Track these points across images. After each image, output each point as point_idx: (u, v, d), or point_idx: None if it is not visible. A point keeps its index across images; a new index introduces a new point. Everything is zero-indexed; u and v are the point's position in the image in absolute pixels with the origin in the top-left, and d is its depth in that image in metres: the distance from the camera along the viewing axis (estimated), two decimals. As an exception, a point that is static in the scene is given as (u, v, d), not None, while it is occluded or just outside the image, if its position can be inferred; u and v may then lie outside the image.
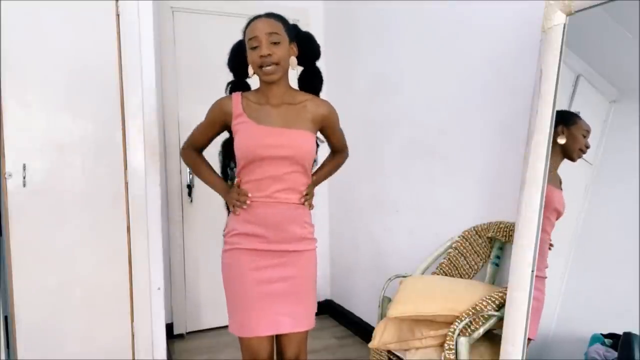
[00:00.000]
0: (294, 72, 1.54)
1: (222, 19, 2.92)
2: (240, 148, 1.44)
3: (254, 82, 1.57)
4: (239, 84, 1.57)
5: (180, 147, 1.70)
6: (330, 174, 1.72)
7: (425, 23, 2.24)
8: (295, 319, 1.47)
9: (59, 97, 2.07)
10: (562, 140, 1.38)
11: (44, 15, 2.02)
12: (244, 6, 2.88)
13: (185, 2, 2.81)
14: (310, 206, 1.56)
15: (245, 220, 1.46)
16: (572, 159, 1.43)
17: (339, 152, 1.71)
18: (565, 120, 1.38)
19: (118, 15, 2.13)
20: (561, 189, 1.43)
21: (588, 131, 1.42)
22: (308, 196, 1.52)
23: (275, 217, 1.44)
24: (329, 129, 1.57)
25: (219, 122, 1.52)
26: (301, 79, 1.58)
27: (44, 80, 2.04)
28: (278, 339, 1.56)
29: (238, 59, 1.51)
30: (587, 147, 1.41)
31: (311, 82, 1.56)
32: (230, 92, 1.56)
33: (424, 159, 2.28)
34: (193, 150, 1.61)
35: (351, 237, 2.97)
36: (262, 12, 1.47)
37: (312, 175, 1.59)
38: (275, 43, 1.37)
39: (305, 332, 1.54)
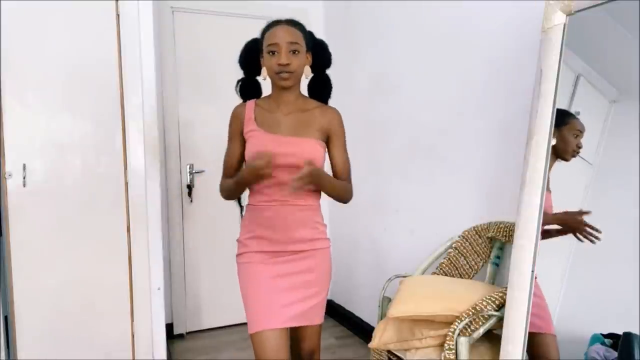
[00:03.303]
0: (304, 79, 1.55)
1: (222, 19, 2.92)
2: (250, 157, 1.46)
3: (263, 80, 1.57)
4: (248, 82, 1.57)
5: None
6: (334, 189, 1.49)
7: (425, 23, 2.24)
8: (308, 312, 1.48)
9: (59, 97, 2.07)
10: (552, 142, 1.38)
11: (44, 15, 2.02)
12: (244, 6, 2.88)
13: (185, 2, 2.81)
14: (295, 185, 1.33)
15: (255, 223, 1.49)
16: (565, 159, 1.43)
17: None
18: (556, 121, 1.38)
19: (118, 15, 2.13)
20: (550, 191, 1.42)
21: (581, 131, 1.41)
22: (302, 176, 1.32)
23: (283, 219, 1.45)
24: (332, 138, 1.51)
25: (239, 130, 1.52)
26: (310, 86, 1.59)
27: (44, 80, 2.04)
28: (293, 334, 1.56)
29: (251, 57, 1.51)
30: (580, 147, 1.41)
31: (320, 89, 1.58)
32: (240, 90, 1.57)
33: (423, 159, 2.28)
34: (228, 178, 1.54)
35: (351, 237, 2.97)
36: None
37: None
38: (294, 52, 1.40)
39: (319, 327, 1.56)
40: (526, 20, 1.66)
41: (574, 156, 1.43)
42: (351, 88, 2.87)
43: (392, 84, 2.50)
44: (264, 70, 1.46)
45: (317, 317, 1.52)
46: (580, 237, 1.37)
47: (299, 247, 1.47)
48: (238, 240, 1.55)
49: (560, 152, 1.42)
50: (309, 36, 1.49)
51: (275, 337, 1.42)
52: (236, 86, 1.58)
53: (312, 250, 1.49)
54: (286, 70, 1.39)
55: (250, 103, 1.52)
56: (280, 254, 1.47)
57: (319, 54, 1.54)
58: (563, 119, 1.40)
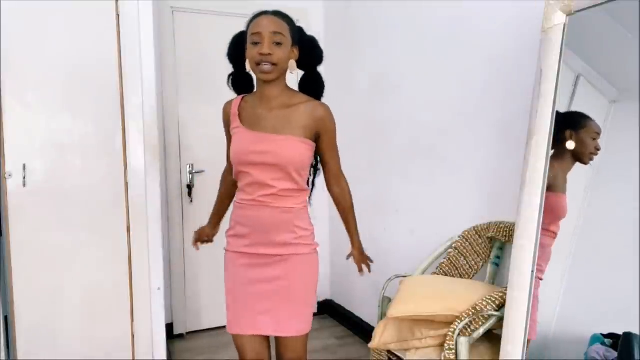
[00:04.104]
0: (295, 77, 1.52)
1: (222, 19, 2.91)
2: (231, 154, 1.46)
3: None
4: (239, 76, 1.54)
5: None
6: (352, 219, 1.68)
7: (425, 23, 2.24)
8: (279, 322, 1.44)
9: (59, 97, 2.07)
10: (571, 146, 1.36)
11: (44, 15, 2.02)
12: (244, 6, 2.85)
13: (185, 2, 2.80)
14: (365, 268, 1.72)
15: (237, 221, 1.49)
16: (584, 163, 1.42)
17: (334, 183, 1.55)
18: (573, 124, 1.37)
19: (118, 15, 2.13)
20: (565, 194, 1.42)
21: (598, 133, 1.39)
22: (358, 260, 1.70)
23: (260, 220, 1.43)
24: (322, 136, 1.46)
25: (227, 127, 1.54)
26: (302, 84, 1.54)
27: (44, 80, 2.04)
28: (276, 343, 1.53)
29: (238, 50, 1.48)
30: (598, 149, 1.39)
31: (311, 87, 1.52)
32: (233, 84, 1.55)
33: (424, 159, 2.28)
34: (229, 173, 1.61)
35: (351, 237, 2.96)
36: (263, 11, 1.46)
37: (351, 239, 1.70)
38: (277, 43, 1.35)
39: (300, 338, 1.48)
40: (526, 20, 1.66)
41: (591, 159, 1.41)
42: (351, 88, 2.87)
43: (392, 84, 2.50)
44: (247, 63, 1.41)
45: (294, 328, 1.45)
46: None
47: (274, 251, 1.43)
48: (225, 234, 1.56)
49: (580, 155, 1.40)
50: (297, 30, 1.44)
51: (252, 343, 1.49)
52: (228, 81, 1.55)
53: (288, 255, 1.44)
54: (268, 61, 1.34)
55: (237, 99, 1.51)
56: (256, 256, 1.45)
57: (309, 50, 1.47)
58: (580, 122, 1.40)
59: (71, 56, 2.07)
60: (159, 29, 2.70)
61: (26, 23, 1.99)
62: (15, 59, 1.98)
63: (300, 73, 1.55)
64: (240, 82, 1.54)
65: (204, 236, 1.79)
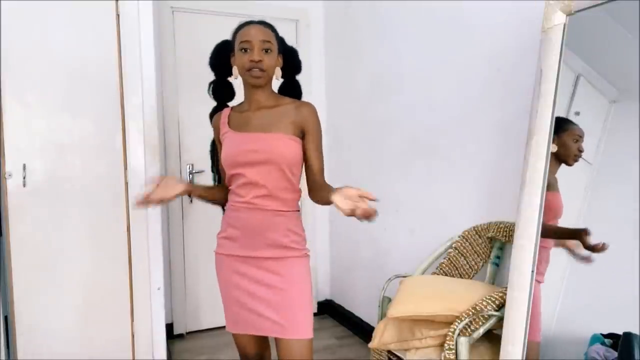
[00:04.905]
0: (275, 84, 1.56)
1: (222, 19, 2.91)
2: (222, 157, 1.48)
3: (235, 81, 1.58)
4: (220, 83, 1.59)
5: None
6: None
7: (425, 23, 2.24)
8: (280, 324, 1.42)
9: (59, 97, 2.07)
10: (553, 149, 1.38)
11: (44, 15, 2.02)
12: (244, 6, 2.88)
13: (185, 2, 2.81)
14: (367, 215, 1.23)
15: (229, 223, 1.49)
16: (568, 164, 1.44)
17: (316, 185, 1.46)
18: (555, 128, 1.38)
19: (118, 15, 2.13)
20: (558, 191, 1.43)
21: (581, 136, 1.42)
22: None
23: (253, 223, 1.43)
24: (306, 133, 1.44)
25: (218, 137, 1.59)
26: (281, 90, 1.58)
27: (44, 80, 2.04)
28: (279, 351, 1.48)
29: (221, 58, 1.55)
30: (581, 151, 1.42)
31: (290, 93, 1.57)
32: (213, 92, 1.61)
33: (424, 159, 2.28)
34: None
35: (351, 237, 2.97)
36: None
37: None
38: (266, 51, 1.40)
39: (305, 342, 1.42)
40: (526, 20, 1.66)
41: (576, 160, 1.43)
42: (351, 88, 2.86)
43: (392, 84, 2.50)
44: (235, 69, 1.47)
45: (296, 330, 1.41)
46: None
47: (266, 253, 1.43)
48: (217, 236, 1.57)
49: (563, 157, 1.43)
50: (280, 40, 1.50)
51: (248, 339, 1.54)
52: (208, 89, 1.60)
53: (281, 258, 1.43)
54: (258, 67, 1.39)
55: (226, 110, 1.56)
56: (248, 259, 1.44)
57: (290, 60, 1.54)
58: (562, 125, 1.41)
59: (71, 56, 2.07)
60: (159, 29, 2.70)
61: (26, 23, 1.99)
62: (15, 59, 1.98)
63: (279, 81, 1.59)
64: (221, 89, 1.60)
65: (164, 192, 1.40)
